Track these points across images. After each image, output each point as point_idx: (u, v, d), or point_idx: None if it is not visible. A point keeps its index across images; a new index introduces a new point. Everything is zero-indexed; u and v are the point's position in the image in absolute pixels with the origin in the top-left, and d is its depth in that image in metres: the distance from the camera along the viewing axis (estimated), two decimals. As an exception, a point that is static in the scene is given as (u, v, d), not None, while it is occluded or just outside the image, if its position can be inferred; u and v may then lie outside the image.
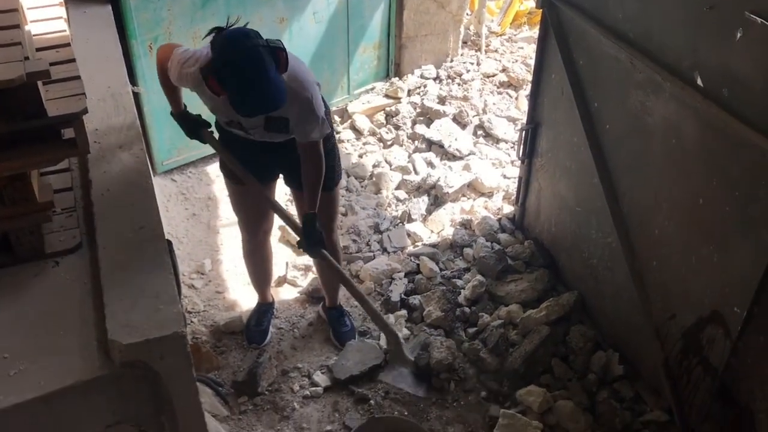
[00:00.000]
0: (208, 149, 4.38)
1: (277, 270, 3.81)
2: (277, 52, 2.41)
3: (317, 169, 2.76)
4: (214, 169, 4.48)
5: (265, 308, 3.51)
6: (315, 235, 2.81)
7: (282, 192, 3.73)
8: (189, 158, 4.41)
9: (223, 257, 3.93)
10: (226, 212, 4.20)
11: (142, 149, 2.31)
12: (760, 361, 2.44)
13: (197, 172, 4.44)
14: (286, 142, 2.79)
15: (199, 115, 2.93)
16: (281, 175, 3.10)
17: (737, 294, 2.45)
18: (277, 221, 3.29)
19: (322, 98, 2.73)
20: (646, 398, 3.05)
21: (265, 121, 2.65)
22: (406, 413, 3.06)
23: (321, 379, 3.25)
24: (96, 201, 2.08)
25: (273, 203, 2.98)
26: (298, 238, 2.88)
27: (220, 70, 2.37)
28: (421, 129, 4.77)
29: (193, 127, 2.90)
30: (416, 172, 4.49)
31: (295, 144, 2.73)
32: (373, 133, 4.88)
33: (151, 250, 1.90)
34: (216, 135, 2.95)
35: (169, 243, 2.08)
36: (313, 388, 3.21)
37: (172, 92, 2.82)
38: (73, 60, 2.02)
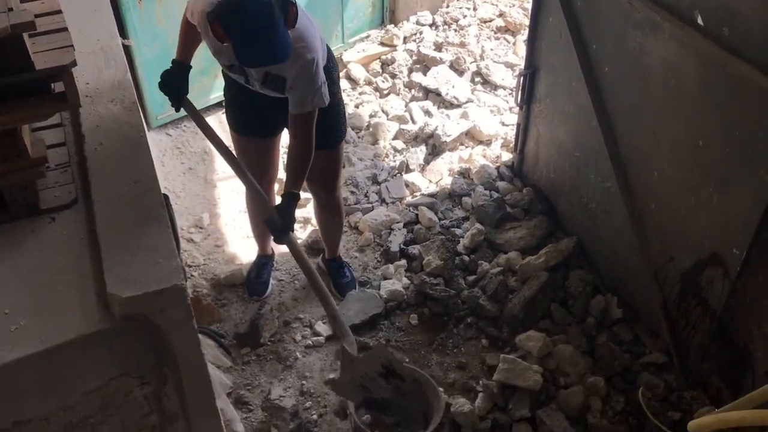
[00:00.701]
0: (202, 102, 4.35)
1: (276, 223, 3.81)
2: (288, 6, 2.32)
3: (306, 147, 2.63)
4: (209, 122, 4.43)
5: (265, 260, 3.51)
6: (287, 218, 2.64)
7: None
8: (183, 112, 4.35)
9: (221, 211, 3.93)
10: (223, 166, 4.17)
11: (134, 103, 2.28)
12: (758, 301, 2.45)
13: (192, 126, 4.40)
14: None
15: (183, 82, 2.81)
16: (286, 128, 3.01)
17: (736, 235, 2.45)
18: (282, 172, 3.26)
19: (330, 54, 2.66)
20: (644, 340, 3.09)
21: (264, 75, 2.60)
22: (407, 360, 3.10)
23: (322, 329, 3.28)
24: (90, 156, 2.05)
25: (241, 171, 2.77)
26: (266, 217, 2.68)
27: (226, 17, 2.29)
28: (417, 77, 4.71)
29: (175, 93, 2.79)
30: (413, 122, 4.45)
31: None
32: (369, 83, 4.82)
33: (147, 204, 1.89)
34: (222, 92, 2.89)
35: (166, 197, 2.07)
36: (315, 338, 3.24)
37: (183, 36, 2.73)
38: (59, 11, 1.97)
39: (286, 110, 2.67)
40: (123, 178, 1.96)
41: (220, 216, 3.90)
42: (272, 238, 3.50)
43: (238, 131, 2.97)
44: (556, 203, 3.69)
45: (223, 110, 3.21)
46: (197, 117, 2.81)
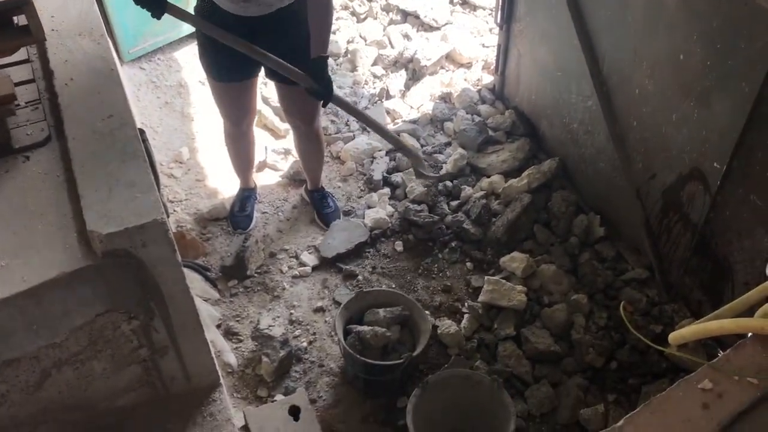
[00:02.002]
0: (174, 34, 4.23)
1: (257, 155, 3.77)
2: None
3: (328, 4, 2.59)
4: (182, 55, 4.34)
5: (248, 193, 3.50)
6: (327, 82, 2.59)
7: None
8: (156, 44, 4.25)
9: (201, 145, 3.88)
10: (199, 99, 4.10)
11: (103, 35, 2.21)
12: (738, 213, 2.48)
13: (166, 59, 4.30)
14: (272, 21, 2.63)
15: None
16: (263, 68, 2.89)
17: (717, 149, 2.46)
18: (260, 109, 3.19)
19: None
20: (627, 257, 3.13)
21: None
22: (393, 286, 3.13)
23: (309, 258, 3.30)
24: (60, 92, 2.00)
25: (263, 54, 2.60)
26: (310, 86, 2.58)
27: None
28: None
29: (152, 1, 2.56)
30: (392, 46, 4.37)
31: (282, 23, 2.60)
32: (345, 7, 4.69)
33: (122, 138, 1.86)
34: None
35: (142, 131, 2.03)
36: (302, 268, 3.26)
37: None
38: (15, -60, 1.89)
39: (265, 42, 2.59)
40: (96, 113, 1.92)
41: (200, 150, 3.85)
42: (253, 171, 3.50)
43: (217, 77, 2.87)
44: (538, 125, 3.67)
45: (195, 41, 3.10)
46: (185, 16, 2.61)
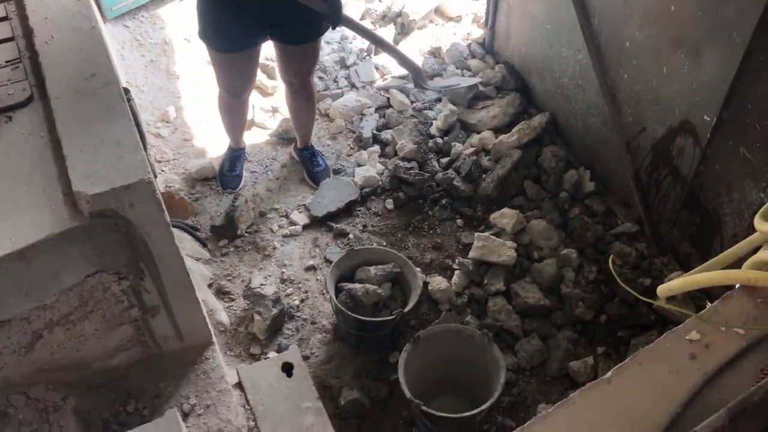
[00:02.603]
0: (158, -10, 4.15)
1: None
2: None
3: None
4: (167, 12, 4.26)
5: (237, 153, 3.47)
6: (338, 3, 2.65)
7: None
8: (139, 1, 4.17)
9: (187, 103, 3.83)
10: (185, 57, 4.04)
11: (82, -10, 2.16)
12: (727, 165, 2.48)
13: (150, 16, 4.21)
14: None
15: None
16: (268, 34, 2.84)
17: (707, 101, 2.44)
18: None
19: None
20: (617, 211, 3.14)
21: None
22: (384, 243, 3.14)
23: (299, 217, 3.29)
24: (41, 50, 1.96)
25: None
26: (321, 8, 2.59)
27: None
28: (382, -47, 4.50)
29: None
30: (380, 0, 4.29)
31: None
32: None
33: (106, 97, 1.82)
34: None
35: (126, 90, 2.00)
36: (292, 227, 3.25)
37: None
38: None
39: (269, 9, 2.56)
40: (79, 71, 1.89)
41: (186, 109, 3.80)
42: (244, 130, 3.46)
43: (218, 48, 2.79)
44: (528, 79, 3.63)
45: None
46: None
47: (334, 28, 2.76)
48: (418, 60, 3.97)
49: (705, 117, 2.47)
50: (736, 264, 1.38)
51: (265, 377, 2.36)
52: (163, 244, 1.79)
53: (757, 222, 1.33)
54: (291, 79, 3.08)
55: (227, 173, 3.42)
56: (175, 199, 3.17)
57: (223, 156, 3.49)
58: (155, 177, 1.89)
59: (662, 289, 1.47)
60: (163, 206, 1.73)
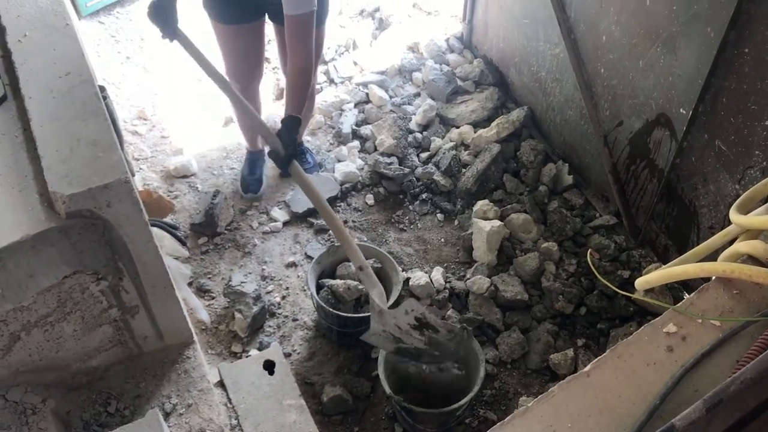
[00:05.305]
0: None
1: (222, 110, 3.71)
2: None
3: (307, 61, 2.37)
4: (142, 7, 4.21)
5: (256, 156, 3.41)
6: (290, 144, 2.33)
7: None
8: (113, -2, 4.12)
9: (165, 100, 3.79)
10: (162, 53, 4.00)
11: (55, -13, 2.13)
12: (703, 158, 2.51)
13: (125, 12, 4.17)
14: None
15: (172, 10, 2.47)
16: (267, 14, 2.80)
17: (683, 95, 2.47)
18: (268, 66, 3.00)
19: None
20: (595, 204, 3.17)
21: None
22: (365, 239, 3.14)
23: (279, 214, 3.28)
24: (14, 48, 1.93)
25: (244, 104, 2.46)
26: (268, 148, 2.37)
27: None
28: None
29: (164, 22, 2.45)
30: (358, -5, 4.29)
31: None
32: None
33: (81, 96, 1.80)
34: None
35: (102, 88, 1.98)
36: (273, 224, 3.24)
37: None
38: None
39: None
40: (53, 70, 1.86)
41: (164, 105, 3.77)
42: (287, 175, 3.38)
43: (221, 20, 2.73)
44: (506, 73, 3.65)
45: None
46: (193, 50, 2.47)
47: (281, 171, 2.54)
48: (396, 55, 3.97)
49: (681, 110, 2.50)
50: (713, 256, 1.40)
51: (246, 375, 2.35)
52: (142, 244, 1.77)
53: (733, 214, 1.35)
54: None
55: (248, 177, 3.38)
56: (153, 197, 3.13)
57: (244, 159, 3.44)
58: (132, 175, 1.88)
59: (640, 282, 1.49)
60: (141, 205, 1.72)
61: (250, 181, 3.37)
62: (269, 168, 3.50)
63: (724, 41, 2.21)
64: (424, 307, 2.36)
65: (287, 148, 2.32)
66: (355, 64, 3.97)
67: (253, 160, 3.40)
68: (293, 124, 2.37)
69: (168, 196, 3.30)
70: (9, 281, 1.62)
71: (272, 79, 3.88)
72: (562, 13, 2.93)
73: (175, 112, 3.74)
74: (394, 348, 2.41)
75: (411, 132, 3.55)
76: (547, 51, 3.16)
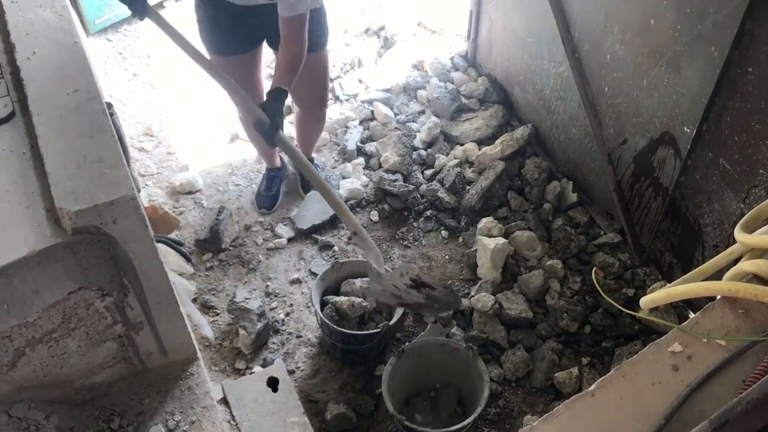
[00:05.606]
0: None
1: (229, 127, 3.73)
2: None
3: (299, 47, 2.41)
4: (150, 25, 4.23)
5: (274, 173, 3.43)
6: (275, 116, 2.35)
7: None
8: (122, 15, 4.16)
9: (171, 117, 3.82)
10: (168, 70, 4.03)
11: (64, 6, 2.15)
12: (708, 176, 2.51)
13: (132, 30, 4.21)
14: (269, 6, 2.50)
15: None
16: (265, 40, 2.81)
17: (687, 113, 2.47)
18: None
19: None
20: (599, 222, 3.16)
21: None
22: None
23: (284, 230, 3.29)
24: (23, 66, 1.95)
25: (218, 73, 2.45)
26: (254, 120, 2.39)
27: None
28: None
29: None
30: (363, 14, 4.31)
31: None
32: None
33: (88, 113, 1.81)
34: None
35: (109, 105, 1.99)
36: (277, 240, 3.25)
37: None
38: None
39: (269, 20, 2.49)
40: (61, 87, 1.88)
41: (171, 122, 3.79)
42: (277, 150, 3.40)
43: (219, 53, 2.74)
44: (510, 91, 3.66)
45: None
46: (164, 25, 2.45)
47: (269, 144, 2.46)
48: (401, 73, 3.99)
49: (685, 129, 2.50)
50: (718, 275, 1.40)
51: (250, 392, 2.35)
52: (147, 260, 1.78)
53: (737, 233, 1.35)
54: (307, 104, 3.02)
55: (263, 193, 3.40)
56: (158, 214, 3.15)
57: (261, 176, 3.47)
58: (138, 191, 1.89)
59: (645, 301, 1.49)
60: (147, 222, 1.72)
61: (265, 197, 3.39)
62: (285, 185, 3.50)
63: (727, 61, 2.22)
64: (417, 268, 2.48)
65: (272, 118, 2.33)
66: (361, 81, 3.99)
67: (271, 177, 3.42)
68: (279, 95, 2.38)
69: (173, 212, 3.31)
70: (14, 297, 1.62)
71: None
72: (566, 32, 2.95)
73: (182, 128, 3.76)
74: (396, 303, 2.53)
75: (415, 149, 3.57)
76: (551, 69, 3.18)
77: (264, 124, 2.32)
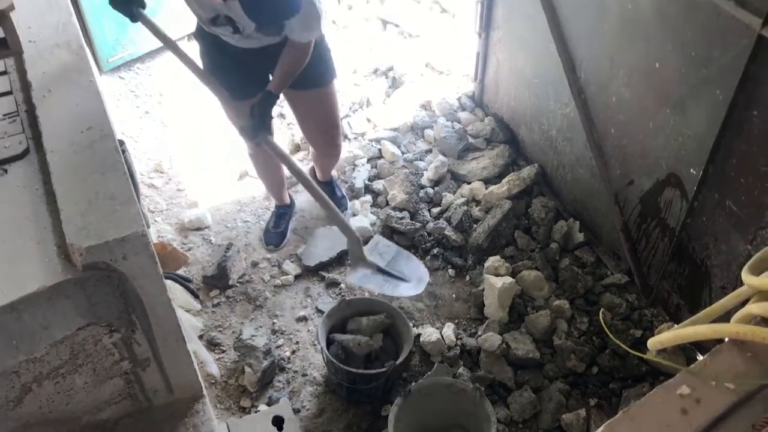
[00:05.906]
0: (153, 43, 4.23)
1: (238, 164, 3.77)
2: None
3: (300, 61, 2.49)
4: (162, 63, 4.33)
5: (283, 210, 3.46)
6: (261, 116, 2.46)
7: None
8: (135, 53, 4.24)
9: (182, 154, 3.86)
10: (179, 108, 4.09)
11: (81, 46, 2.20)
12: (714, 218, 2.51)
13: (145, 68, 4.28)
14: (274, 46, 2.54)
15: None
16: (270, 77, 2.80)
17: (693, 155, 2.49)
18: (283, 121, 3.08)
19: None
20: (606, 262, 3.16)
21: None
22: (376, 293, 3.13)
23: (291, 267, 3.29)
24: (38, 104, 1.99)
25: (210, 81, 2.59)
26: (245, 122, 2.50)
27: None
28: (374, 7, 4.61)
29: (127, 7, 2.54)
30: (372, 55, 4.38)
31: (283, 47, 2.50)
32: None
33: (101, 150, 1.84)
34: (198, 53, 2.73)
35: (121, 142, 2.02)
36: (284, 277, 3.25)
37: None
38: (-8, -48, 1.88)
39: (269, 61, 2.54)
40: (75, 125, 1.91)
41: (181, 159, 3.83)
42: (286, 187, 3.44)
43: (225, 95, 2.71)
44: (517, 131, 3.70)
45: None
46: (157, 31, 2.56)
47: (256, 143, 2.65)
48: (409, 113, 4.03)
49: (691, 170, 2.52)
50: (725, 316, 1.40)
51: (255, 431, 2.33)
52: (156, 297, 1.78)
53: (745, 275, 1.35)
54: (320, 144, 3.07)
55: (271, 230, 3.42)
56: (167, 250, 3.17)
57: (271, 213, 3.50)
58: (148, 227, 1.90)
59: (652, 342, 1.48)
60: (157, 258, 1.73)
61: (273, 234, 3.41)
62: (293, 222, 3.52)
63: (732, 104, 2.24)
64: (387, 240, 2.85)
65: (256, 118, 2.43)
66: (369, 120, 4.04)
67: (280, 214, 3.45)
68: (268, 97, 2.46)
69: (182, 248, 3.33)
70: (23, 332, 1.63)
71: (287, 134, 3.95)
72: (572, 74, 2.99)
73: (192, 165, 3.80)
74: (382, 278, 2.70)
75: (423, 187, 3.59)
76: (558, 110, 3.21)
77: (250, 125, 2.44)
